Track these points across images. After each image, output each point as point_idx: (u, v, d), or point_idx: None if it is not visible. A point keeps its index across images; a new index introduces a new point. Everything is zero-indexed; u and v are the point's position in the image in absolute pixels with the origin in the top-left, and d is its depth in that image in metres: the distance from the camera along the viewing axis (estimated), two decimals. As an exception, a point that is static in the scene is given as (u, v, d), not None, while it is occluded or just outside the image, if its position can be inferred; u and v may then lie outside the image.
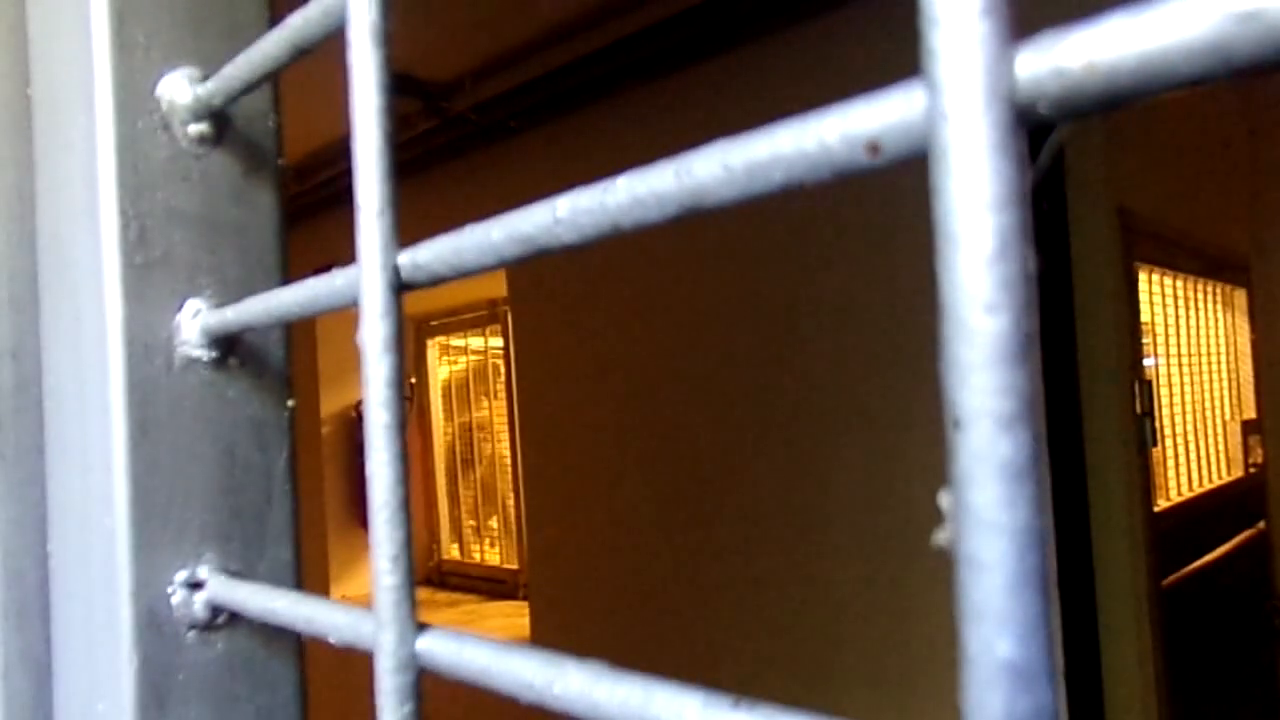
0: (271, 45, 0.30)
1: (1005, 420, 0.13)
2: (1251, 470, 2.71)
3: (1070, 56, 0.13)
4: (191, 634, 0.36)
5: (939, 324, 0.13)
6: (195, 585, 0.36)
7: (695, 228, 2.15)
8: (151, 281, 0.36)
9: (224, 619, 0.37)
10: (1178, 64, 0.12)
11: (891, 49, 1.78)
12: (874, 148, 0.15)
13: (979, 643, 0.12)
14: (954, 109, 0.13)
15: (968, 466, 0.13)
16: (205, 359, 0.37)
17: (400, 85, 2.36)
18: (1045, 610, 0.12)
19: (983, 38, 0.13)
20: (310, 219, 2.98)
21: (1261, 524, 2.69)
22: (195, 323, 0.36)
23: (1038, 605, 0.12)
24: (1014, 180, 0.13)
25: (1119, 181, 1.86)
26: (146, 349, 0.35)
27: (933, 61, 0.13)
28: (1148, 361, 2.09)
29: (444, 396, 3.76)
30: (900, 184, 1.74)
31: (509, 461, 3.41)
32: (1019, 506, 0.12)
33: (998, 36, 0.13)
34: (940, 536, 0.13)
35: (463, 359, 3.73)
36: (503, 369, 3.45)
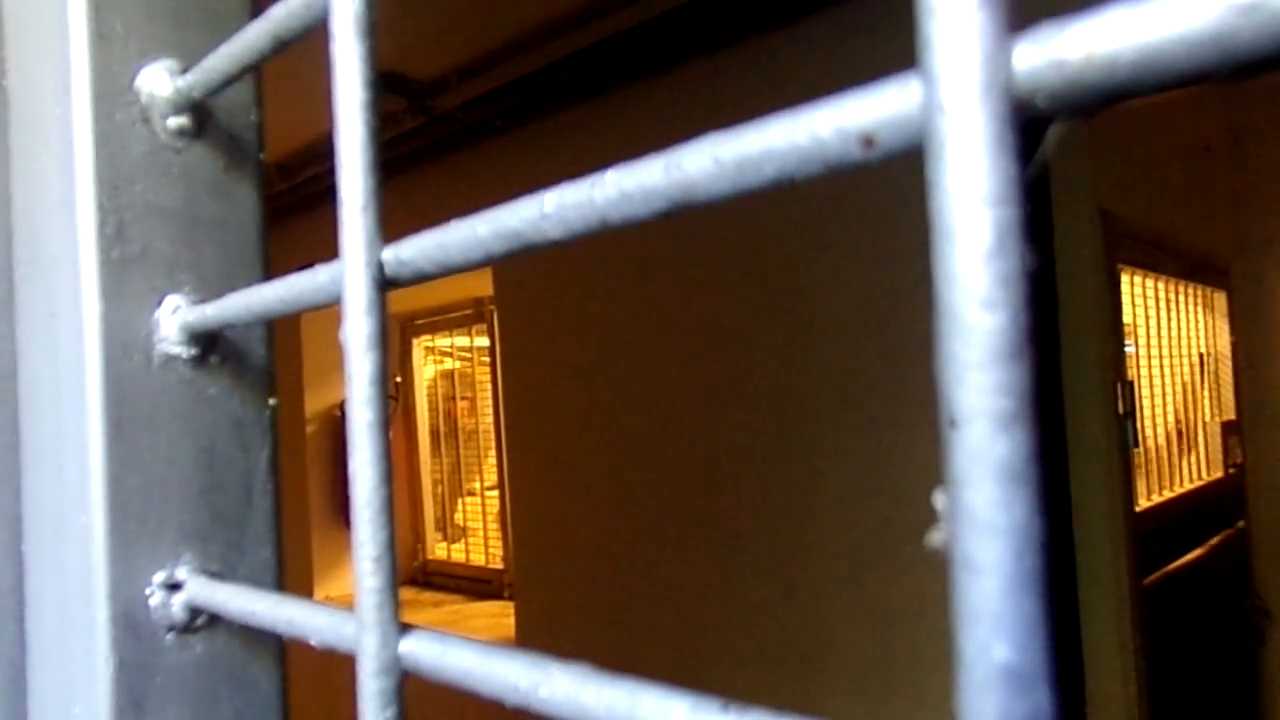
0: (253, 36, 0.29)
1: (1003, 419, 0.12)
2: (1231, 470, 2.74)
3: (1069, 48, 0.12)
4: (170, 636, 0.35)
5: (934, 321, 0.13)
6: (174, 586, 0.35)
7: (683, 225, 2.15)
8: (130, 277, 0.35)
9: (203, 621, 0.36)
10: (1178, 56, 0.12)
11: (889, 52, 1.79)
12: (868, 141, 0.14)
13: (975, 646, 0.12)
14: (950, 101, 0.13)
15: (964, 466, 0.12)
16: (185, 356, 0.36)
17: (386, 83, 2.34)
18: (1043, 613, 0.12)
19: (980, 28, 0.13)
20: (294, 218, 2.96)
21: (1241, 523, 2.72)
22: (174, 319, 0.36)
23: (1036, 608, 0.12)
24: (1011, 174, 0.13)
25: (1102, 184, 1.87)
26: (124, 346, 0.35)
27: (929, 52, 0.13)
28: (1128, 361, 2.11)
29: (429, 395, 3.74)
30: (894, 179, 1.74)
31: (495, 460, 3.40)
32: (1016, 507, 0.12)
33: (995, 27, 0.13)
34: (935, 538, 0.13)
35: (449, 360, 3.71)
36: (489, 368, 3.44)
